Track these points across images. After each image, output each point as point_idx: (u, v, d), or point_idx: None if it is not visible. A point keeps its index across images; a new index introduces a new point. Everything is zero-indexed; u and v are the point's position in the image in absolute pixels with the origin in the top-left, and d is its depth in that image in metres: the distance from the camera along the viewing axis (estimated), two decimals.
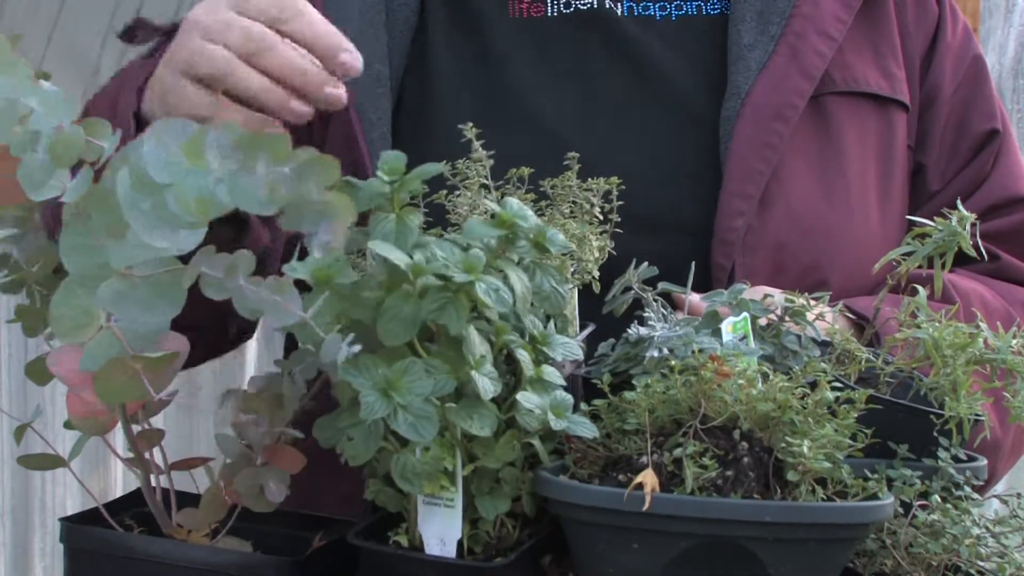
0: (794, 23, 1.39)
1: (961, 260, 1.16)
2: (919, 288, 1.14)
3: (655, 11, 1.44)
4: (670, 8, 1.44)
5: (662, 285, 1.17)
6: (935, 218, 1.15)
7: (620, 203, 1.16)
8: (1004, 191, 1.47)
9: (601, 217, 1.16)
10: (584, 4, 1.43)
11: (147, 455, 1.04)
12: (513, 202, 1.01)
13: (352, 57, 1.08)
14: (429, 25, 1.45)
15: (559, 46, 1.43)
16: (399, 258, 0.94)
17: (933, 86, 1.47)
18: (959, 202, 1.18)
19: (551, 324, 1.07)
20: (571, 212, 1.15)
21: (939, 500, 1.03)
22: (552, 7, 1.44)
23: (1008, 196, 1.47)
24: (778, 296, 1.15)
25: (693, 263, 1.20)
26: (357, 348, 0.92)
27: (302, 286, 0.93)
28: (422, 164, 1.00)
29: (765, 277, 1.32)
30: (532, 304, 1.02)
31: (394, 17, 1.43)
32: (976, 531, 1.02)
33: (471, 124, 1.15)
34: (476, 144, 1.15)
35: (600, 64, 1.42)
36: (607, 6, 1.43)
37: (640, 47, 1.42)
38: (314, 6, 1.40)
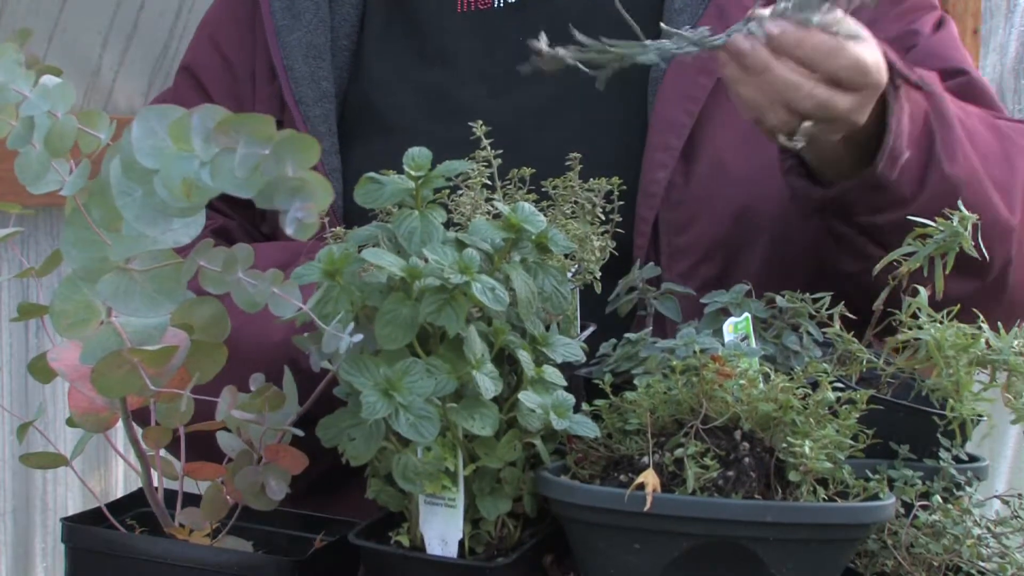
0: None
1: None
2: (920, 288, 1.14)
3: None
4: None
5: None
6: (936, 219, 1.14)
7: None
8: (944, 63, 1.44)
9: (603, 217, 1.16)
10: None
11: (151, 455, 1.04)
12: (525, 206, 1.01)
13: None
14: (367, 38, 1.49)
15: (504, 35, 1.45)
16: (393, 263, 0.94)
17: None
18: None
19: (554, 325, 1.07)
20: (572, 212, 1.15)
21: (940, 500, 1.03)
22: None
23: (950, 68, 1.44)
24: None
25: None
26: (359, 338, 0.92)
27: None
28: (369, 166, 1.02)
29: (689, 231, 1.34)
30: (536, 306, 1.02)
31: (336, 34, 1.47)
32: (977, 531, 1.02)
33: (481, 123, 1.16)
34: (484, 142, 1.16)
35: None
36: None
37: (584, 28, 1.43)
38: (266, 36, 1.46)
